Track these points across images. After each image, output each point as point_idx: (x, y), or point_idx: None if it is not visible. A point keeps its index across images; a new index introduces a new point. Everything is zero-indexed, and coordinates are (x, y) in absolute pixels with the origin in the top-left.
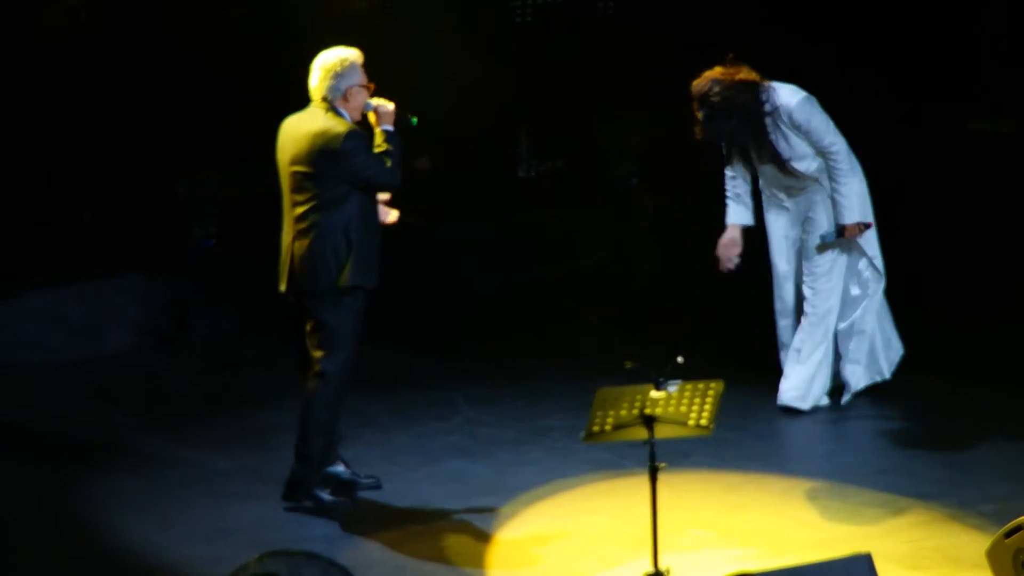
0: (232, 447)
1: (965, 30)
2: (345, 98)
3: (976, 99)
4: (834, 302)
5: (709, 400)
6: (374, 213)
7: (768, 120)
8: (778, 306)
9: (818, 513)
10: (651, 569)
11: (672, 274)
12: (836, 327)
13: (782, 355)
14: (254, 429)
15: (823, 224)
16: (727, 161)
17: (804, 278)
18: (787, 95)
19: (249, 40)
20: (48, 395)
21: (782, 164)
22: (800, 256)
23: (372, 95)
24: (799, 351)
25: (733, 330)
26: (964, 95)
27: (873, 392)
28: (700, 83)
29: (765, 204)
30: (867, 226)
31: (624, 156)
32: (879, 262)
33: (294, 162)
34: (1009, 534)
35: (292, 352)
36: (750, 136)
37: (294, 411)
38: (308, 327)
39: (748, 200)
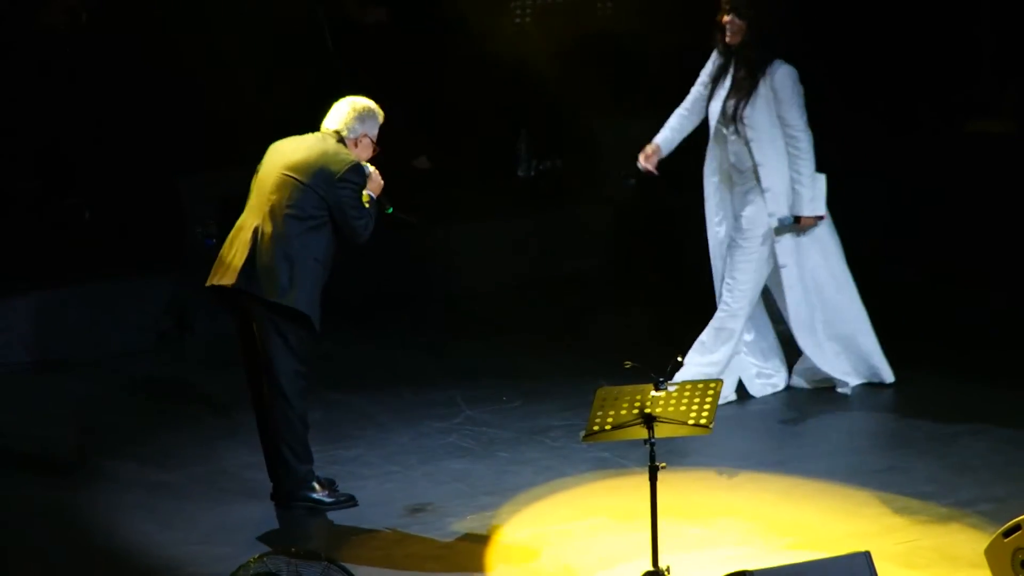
0: (233, 446)
1: (965, 31)
2: (356, 143)
3: (975, 100)
4: (747, 304)
5: (709, 399)
6: (333, 255)
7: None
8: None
9: (817, 513)
10: (651, 568)
11: (672, 274)
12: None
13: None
14: (255, 428)
15: (755, 222)
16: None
17: (726, 273)
18: (780, 59)
19: (250, 39)
20: (48, 395)
21: (739, 121)
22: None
23: (373, 159)
24: (704, 343)
25: None
26: (963, 96)
27: (872, 392)
28: None
29: (706, 192)
30: (820, 218)
31: (624, 156)
32: (837, 266)
33: (290, 168)
34: (1007, 533)
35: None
36: (748, 59)
37: None
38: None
39: (679, 137)
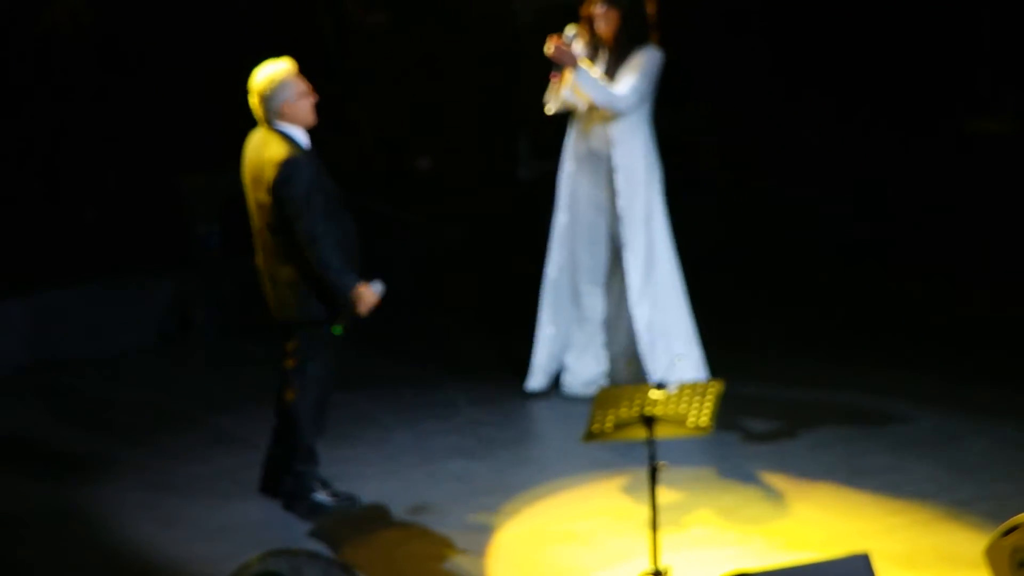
0: (235, 445)
1: (965, 31)
2: (283, 114)
3: (975, 100)
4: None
5: (709, 400)
6: (338, 227)
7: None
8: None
9: (817, 513)
10: (651, 568)
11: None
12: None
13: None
14: (256, 428)
15: (630, 209)
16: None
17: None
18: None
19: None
20: (49, 394)
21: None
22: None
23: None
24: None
25: (732, 329)
26: (962, 96)
27: (871, 392)
28: None
29: (560, 178)
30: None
31: None
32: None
33: (256, 188)
34: (1007, 533)
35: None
36: (619, 49)
37: None
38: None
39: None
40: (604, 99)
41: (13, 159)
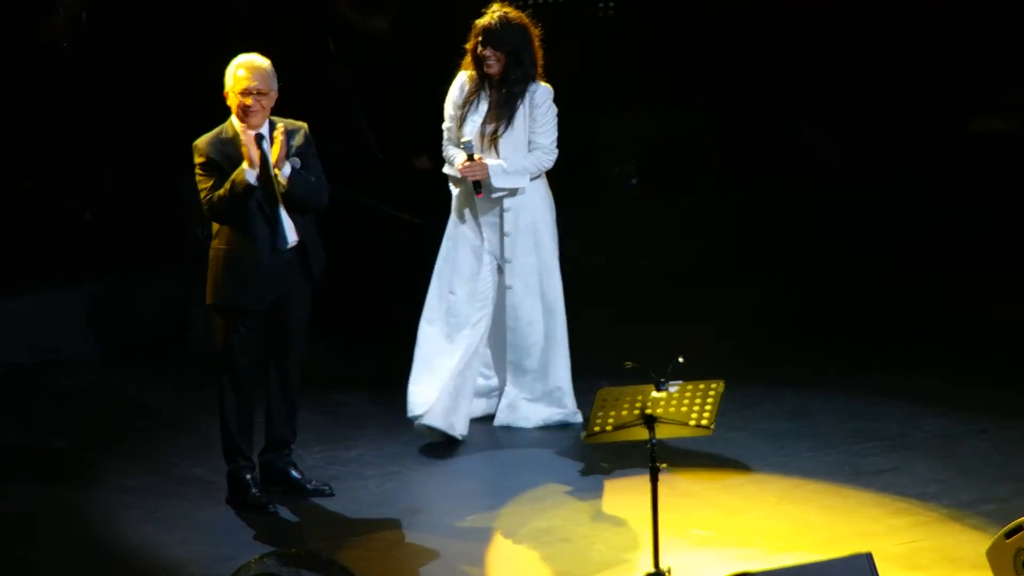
0: None
1: (966, 30)
2: (227, 102)
3: (977, 100)
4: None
5: (710, 400)
6: (238, 236)
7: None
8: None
9: (818, 513)
10: (651, 569)
11: (671, 274)
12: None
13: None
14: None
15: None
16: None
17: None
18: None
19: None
20: (49, 394)
21: (496, 144)
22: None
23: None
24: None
25: (731, 327)
26: (965, 96)
27: (873, 392)
28: (496, 22)
29: (453, 212)
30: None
31: (624, 156)
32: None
33: None
34: (1009, 534)
35: None
36: (508, 87)
37: None
38: None
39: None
40: (529, 174)
41: (13, 159)
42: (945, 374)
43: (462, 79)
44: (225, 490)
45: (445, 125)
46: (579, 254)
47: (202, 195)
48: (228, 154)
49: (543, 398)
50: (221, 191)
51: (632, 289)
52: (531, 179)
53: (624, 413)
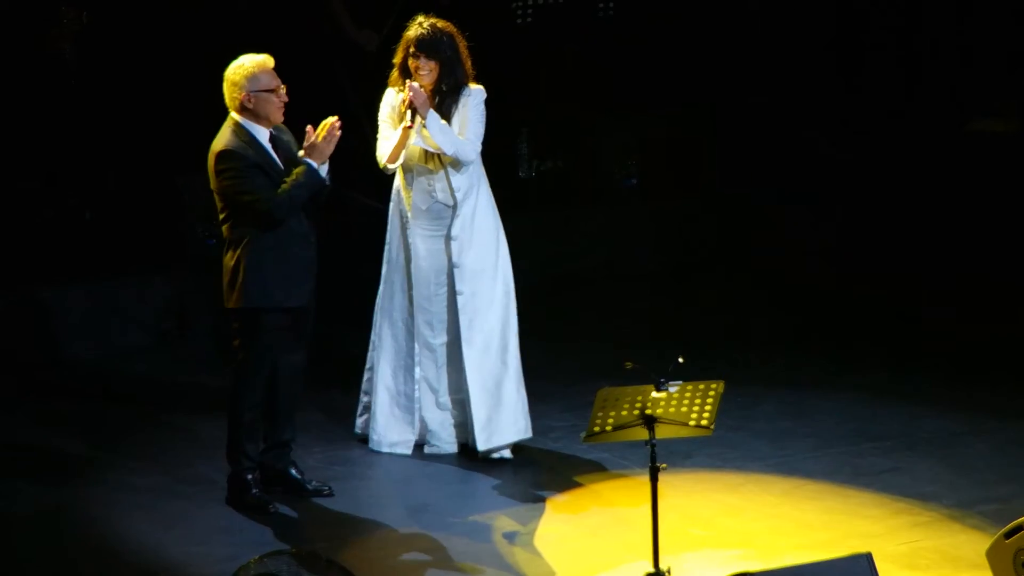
0: None
1: (965, 30)
2: (252, 108)
3: (976, 99)
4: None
5: (710, 400)
6: (288, 233)
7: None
8: None
9: (818, 513)
10: (651, 569)
11: (672, 274)
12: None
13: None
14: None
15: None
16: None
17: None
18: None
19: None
20: (49, 394)
21: (442, 153)
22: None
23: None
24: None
25: (731, 328)
26: (964, 95)
27: (873, 392)
28: (426, 31)
29: (390, 227)
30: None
31: (624, 156)
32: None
33: (211, 179)
34: (1009, 534)
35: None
36: (442, 95)
37: None
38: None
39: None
40: (454, 146)
41: (14, 159)
42: (946, 373)
43: (390, 96)
44: (225, 490)
45: (380, 140)
46: (579, 254)
47: (249, 197)
48: (259, 153)
49: (504, 408)
50: (291, 184)
51: (632, 289)
52: (456, 163)
53: (624, 413)
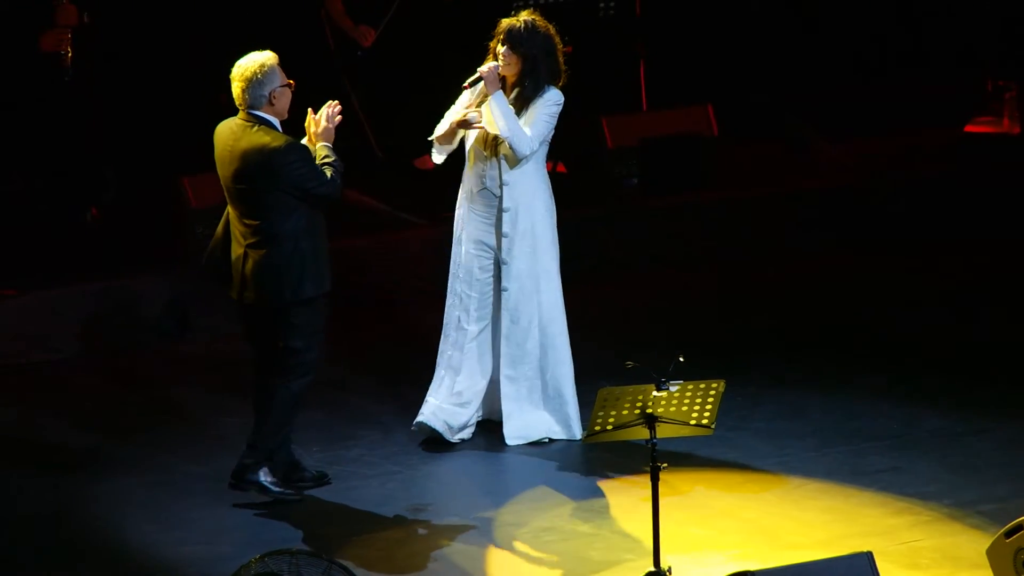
0: (234, 446)
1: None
2: (270, 103)
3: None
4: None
5: (711, 399)
6: (320, 222)
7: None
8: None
9: (818, 513)
10: (652, 569)
11: (672, 274)
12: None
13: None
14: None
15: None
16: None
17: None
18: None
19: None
20: (49, 394)
21: (500, 144)
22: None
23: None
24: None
25: (732, 329)
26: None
27: (873, 392)
28: (519, 25)
29: (457, 215)
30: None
31: (624, 156)
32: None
33: (236, 179)
34: (1009, 534)
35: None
36: (520, 90)
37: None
38: (269, 333)
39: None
40: (510, 130)
41: (15, 159)
42: (946, 373)
43: (465, 96)
44: (225, 490)
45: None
46: (579, 254)
47: (318, 183)
48: None
49: (543, 406)
50: (331, 167)
51: (632, 288)
52: (510, 155)
53: (624, 413)
